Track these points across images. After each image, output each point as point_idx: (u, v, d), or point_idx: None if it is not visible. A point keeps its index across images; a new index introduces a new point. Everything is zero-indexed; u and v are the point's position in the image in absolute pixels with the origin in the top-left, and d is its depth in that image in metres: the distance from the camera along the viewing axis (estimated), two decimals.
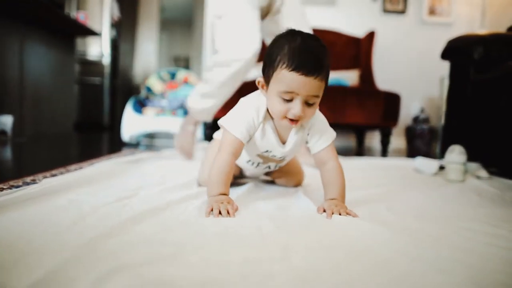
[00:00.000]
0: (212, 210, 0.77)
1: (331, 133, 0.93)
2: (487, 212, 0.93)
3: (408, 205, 0.98)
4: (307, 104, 0.80)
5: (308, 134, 0.92)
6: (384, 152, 2.66)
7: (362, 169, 1.67)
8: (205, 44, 3.60)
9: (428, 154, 2.92)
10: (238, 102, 0.93)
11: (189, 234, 0.64)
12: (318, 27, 2.96)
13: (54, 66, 3.16)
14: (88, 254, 0.52)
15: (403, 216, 0.84)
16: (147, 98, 3.10)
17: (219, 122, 0.91)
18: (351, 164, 1.77)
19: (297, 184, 1.17)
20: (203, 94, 1.68)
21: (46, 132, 3.01)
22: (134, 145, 2.65)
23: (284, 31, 0.84)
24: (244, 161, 1.02)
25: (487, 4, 3.53)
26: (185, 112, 2.87)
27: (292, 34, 0.81)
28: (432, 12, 3.58)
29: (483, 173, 1.56)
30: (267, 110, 0.88)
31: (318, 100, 0.81)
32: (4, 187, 0.93)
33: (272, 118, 0.89)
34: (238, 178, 1.16)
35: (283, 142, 0.93)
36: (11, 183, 0.99)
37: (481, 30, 3.29)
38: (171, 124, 2.84)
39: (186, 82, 3.25)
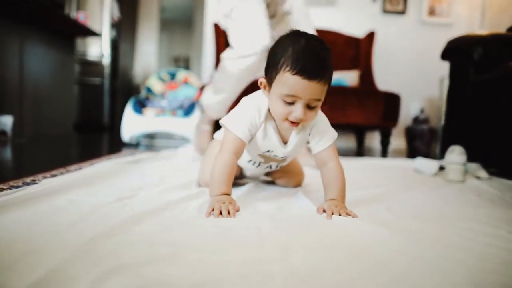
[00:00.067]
0: (213, 210, 0.77)
1: (333, 134, 0.93)
2: (486, 213, 0.93)
3: (408, 205, 0.98)
4: (309, 107, 0.80)
5: (309, 134, 0.92)
6: (384, 153, 2.66)
7: (362, 170, 1.67)
8: (205, 44, 3.60)
9: (428, 154, 2.92)
10: (240, 102, 0.93)
11: (189, 234, 0.64)
12: (318, 27, 2.95)
13: (54, 67, 3.16)
14: (88, 253, 0.52)
15: (403, 216, 0.84)
16: (147, 98, 3.10)
17: (221, 121, 0.91)
18: (351, 165, 1.77)
19: (297, 184, 1.17)
20: (216, 89, 1.71)
21: (46, 132, 3.01)
22: (134, 145, 2.66)
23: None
24: (245, 161, 1.01)
25: (487, 4, 3.54)
26: (186, 113, 2.87)
27: (296, 35, 0.80)
28: (432, 12, 3.59)
29: (483, 173, 1.56)
30: (269, 110, 0.88)
31: (320, 103, 0.81)
32: (4, 187, 0.93)
33: (273, 118, 0.90)
34: (238, 179, 1.16)
35: (285, 142, 0.93)
36: (11, 183, 0.99)
37: (481, 30, 3.30)
38: (171, 124, 2.84)
39: (186, 82, 3.25)
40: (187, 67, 7.26)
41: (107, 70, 4.36)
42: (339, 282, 0.47)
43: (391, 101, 2.55)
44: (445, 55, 2.12)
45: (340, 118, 2.44)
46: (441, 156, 1.80)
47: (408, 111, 3.53)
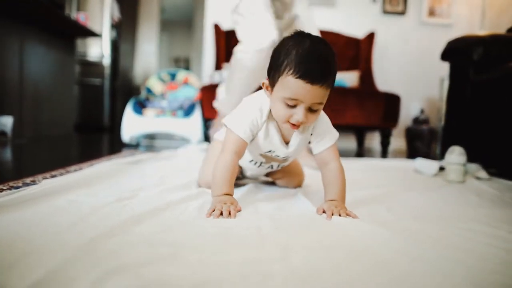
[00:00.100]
0: (214, 210, 0.77)
1: (334, 134, 0.93)
2: (486, 213, 0.93)
3: (408, 206, 0.98)
4: (311, 110, 0.79)
5: (311, 134, 0.92)
6: (384, 153, 2.66)
7: (362, 170, 1.67)
8: (205, 45, 3.60)
9: (428, 155, 2.92)
10: (242, 102, 0.92)
11: (189, 235, 0.64)
12: (318, 28, 2.96)
13: (54, 67, 3.16)
14: (88, 254, 0.52)
15: (403, 217, 0.84)
16: (147, 99, 3.10)
17: (223, 121, 0.91)
18: (351, 165, 1.77)
19: (298, 185, 1.17)
20: (229, 88, 1.73)
21: (46, 133, 3.01)
22: (134, 146, 2.66)
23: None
24: (246, 161, 1.01)
25: (486, 5, 3.54)
26: (186, 113, 2.87)
27: (300, 37, 0.79)
28: (432, 13, 3.59)
29: (483, 174, 1.56)
30: (271, 110, 0.88)
31: (321, 106, 0.81)
32: (4, 188, 0.93)
33: None
34: (238, 179, 1.16)
35: (287, 142, 0.93)
36: (11, 184, 0.99)
37: (481, 31, 3.30)
38: (171, 125, 2.84)
39: (186, 83, 3.25)
40: (187, 67, 7.27)
41: (107, 71, 4.37)
42: (339, 283, 0.47)
43: (391, 102, 2.56)
44: (445, 56, 2.12)
45: (340, 118, 2.44)
46: (441, 156, 1.80)
47: (408, 112, 3.53)
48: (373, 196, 1.08)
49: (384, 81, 3.48)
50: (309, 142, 0.94)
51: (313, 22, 1.73)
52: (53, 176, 1.13)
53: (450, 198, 1.13)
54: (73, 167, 1.33)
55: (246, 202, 0.90)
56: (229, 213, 0.76)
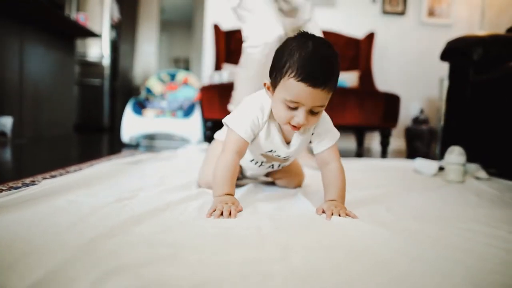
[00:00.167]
0: (214, 210, 0.77)
1: (335, 134, 0.93)
2: (486, 213, 0.93)
3: (408, 206, 0.98)
4: (312, 112, 0.79)
5: (312, 134, 0.92)
6: (384, 153, 2.66)
7: (362, 170, 1.67)
8: (205, 45, 3.60)
9: (428, 155, 2.92)
10: (243, 101, 0.92)
11: (189, 235, 0.64)
12: None
13: (54, 67, 3.16)
14: (88, 254, 0.52)
15: (403, 217, 0.84)
16: (147, 99, 3.10)
17: (224, 120, 0.90)
18: (351, 165, 1.77)
19: (297, 185, 1.17)
20: (240, 88, 1.74)
21: (46, 133, 3.01)
22: (134, 146, 2.66)
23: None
24: (247, 160, 1.01)
25: (486, 5, 3.54)
26: (185, 114, 2.87)
27: (304, 39, 0.78)
28: (431, 13, 3.59)
29: (482, 174, 1.56)
30: (272, 110, 0.88)
31: (323, 109, 0.81)
32: (4, 188, 0.93)
33: None
34: (238, 179, 1.16)
35: (288, 142, 0.93)
36: (11, 184, 0.99)
37: (481, 31, 3.30)
38: (170, 125, 2.84)
39: (185, 83, 3.25)
40: (187, 68, 7.27)
41: (107, 71, 4.37)
42: (339, 283, 0.47)
43: (391, 102, 2.56)
44: (444, 56, 2.12)
45: (340, 118, 2.44)
46: (441, 156, 1.80)
47: (407, 112, 3.53)
48: (372, 196, 1.09)
49: (383, 81, 3.48)
50: (310, 142, 0.94)
51: (315, 22, 1.73)
52: (52, 177, 1.13)
53: (449, 198, 1.13)
54: (72, 168, 1.33)
55: (246, 202, 0.90)
56: (230, 214, 0.76)
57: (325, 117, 0.92)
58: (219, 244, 0.60)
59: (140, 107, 2.90)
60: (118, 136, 3.07)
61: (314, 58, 0.74)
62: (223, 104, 2.42)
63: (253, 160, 1.00)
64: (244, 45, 1.65)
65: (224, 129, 1.07)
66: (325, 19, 3.52)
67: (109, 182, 1.09)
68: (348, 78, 3.15)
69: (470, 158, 1.58)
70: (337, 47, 3.18)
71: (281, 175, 1.15)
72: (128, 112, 2.85)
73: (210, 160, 1.06)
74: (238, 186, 1.11)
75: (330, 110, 0.89)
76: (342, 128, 0.96)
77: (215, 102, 2.44)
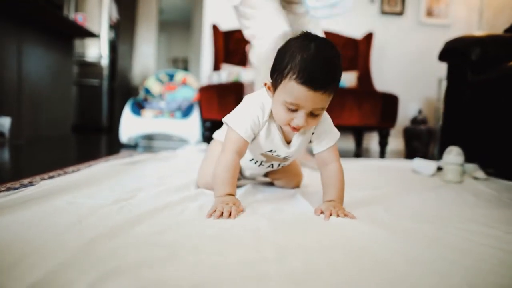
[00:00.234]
0: (215, 211, 0.76)
1: (335, 134, 0.92)
2: (484, 213, 0.93)
3: (406, 206, 0.98)
4: (312, 114, 0.79)
5: (313, 133, 0.92)
6: (382, 153, 2.66)
7: (360, 171, 1.68)
8: (203, 45, 3.60)
9: (426, 155, 2.92)
10: (243, 100, 0.92)
11: (187, 236, 0.64)
12: None
13: (53, 68, 3.15)
14: (87, 255, 0.52)
15: (401, 217, 0.85)
16: (145, 99, 3.10)
17: (224, 119, 0.90)
18: (349, 165, 1.78)
19: (296, 185, 1.17)
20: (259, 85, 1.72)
21: (44, 134, 3.01)
22: (132, 146, 2.65)
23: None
24: (247, 160, 1.00)
25: (484, 6, 3.55)
26: (184, 114, 2.87)
27: (306, 40, 0.77)
28: (429, 13, 3.59)
29: (480, 174, 1.57)
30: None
31: (323, 111, 0.81)
32: (2, 189, 0.93)
33: None
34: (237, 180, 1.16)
35: (288, 142, 0.92)
36: (9, 185, 0.99)
37: (479, 31, 3.31)
38: (169, 125, 2.84)
39: (184, 83, 3.25)
40: (185, 68, 7.27)
41: (105, 72, 4.36)
42: (338, 283, 0.47)
43: (389, 102, 2.56)
44: (443, 56, 2.13)
45: (338, 119, 2.45)
46: (439, 156, 1.80)
47: (406, 112, 3.54)
48: (371, 196, 1.09)
49: (382, 82, 3.48)
50: (310, 142, 0.94)
51: (316, 22, 1.73)
52: (51, 177, 1.13)
53: (447, 198, 1.14)
54: (71, 168, 1.33)
55: (245, 203, 0.90)
56: (230, 214, 0.76)
57: (326, 117, 0.92)
58: (217, 245, 0.60)
59: (138, 107, 2.90)
60: (117, 137, 3.07)
61: (316, 61, 0.74)
62: (222, 104, 2.42)
63: (252, 159, 1.00)
64: (252, 42, 1.62)
65: (223, 128, 1.07)
66: (324, 19, 3.52)
67: (108, 183, 1.09)
68: (347, 79, 3.15)
69: (468, 158, 1.58)
70: None
71: (279, 176, 1.15)
72: (127, 113, 2.84)
73: (209, 161, 1.06)
74: (237, 186, 1.11)
75: (328, 110, 0.89)
76: (340, 128, 0.96)
77: (214, 103, 2.44)
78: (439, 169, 1.64)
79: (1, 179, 1.15)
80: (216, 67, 3.10)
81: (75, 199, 0.86)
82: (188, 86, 3.23)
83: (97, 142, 3.10)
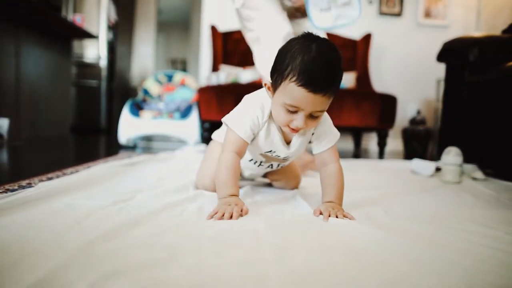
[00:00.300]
0: (216, 213, 0.76)
1: (335, 135, 0.92)
2: (483, 214, 0.93)
3: (405, 207, 0.98)
4: (311, 116, 0.79)
5: (313, 134, 0.91)
6: (381, 154, 2.66)
7: (359, 171, 1.68)
8: (202, 46, 3.60)
9: (425, 155, 2.93)
10: (243, 99, 0.91)
11: (186, 237, 0.63)
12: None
13: (51, 69, 3.15)
14: (86, 256, 0.52)
15: (400, 218, 0.85)
16: (144, 100, 3.10)
17: (223, 120, 0.89)
18: (348, 166, 1.77)
19: (295, 186, 1.17)
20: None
21: (43, 135, 3.00)
22: (131, 148, 2.65)
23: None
24: (246, 160, 1.00)
25: (482, 6, 3.56)
26: (183, 115, 2.87)
27: (307, 41, 0.76)
28: (427, 14, 3.60)
29: (479, 174, 1.57)
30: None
31: (323, 113, 0.81)
32: (0, 190, 0.93)
33: None
34: None
35: (288, 142, 0.92)
36: (7, 186, 0.98)
37: (476, 32, 3.32)
38: (168, 126, 2.84)
39: (183, 84, 3.25)
40: (184, 69, 7.26)
41: (104, 72, 4.36)
42: (337, 283, 0.47)
43: (388, 103, 2.56)
44: (441, 57, 2.13)
45: (337, 120, 2.43)
46: (438, 157, 1.81)
47: (404, 113, 3.54)
48: (370, 197, 1.09)
49: (380, 82, 3.49)
50: (310, 142, 0.94)
51: None
52: (49, 179, 1.12)
53: (446, 198, 1.14)
54: (69, 170, 1.32)
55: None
56: (231, 216, 0.75)
57: (326, 118, 0.92)
58: (217, 245, 0.60)
59: (137, 108, 2.90)
60: (115, 138, 3.07)
61: (317, 63, 0.73)
62: (221, 105, 2.42)
63: (252, 160, 0.99)
64: (256, 44, 1.61)
65: (222, 129, 1.06)
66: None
67: (106, 184, 1.09)
68: (345, 79, 3.16)
69: (467, 159, 1.58)
70: None
71: (278, 177, 1.15)
72: (125, 114, 2.84)
73: (208, 162, 1.06)
74: None
75: (327, 111, 0.89)
76: (339, 129, 0.96)
77: (213, 103, 2.44)
78: (438, 169, 1.64)
79: None
80: (215, 68, 3.10)
81: (73, 200, 0.86)
82: (186, 87, 3.23)
83: (96, 143, 3.09)
